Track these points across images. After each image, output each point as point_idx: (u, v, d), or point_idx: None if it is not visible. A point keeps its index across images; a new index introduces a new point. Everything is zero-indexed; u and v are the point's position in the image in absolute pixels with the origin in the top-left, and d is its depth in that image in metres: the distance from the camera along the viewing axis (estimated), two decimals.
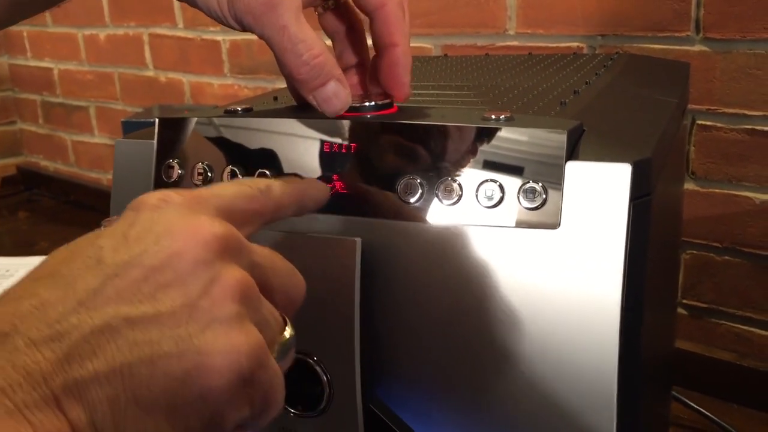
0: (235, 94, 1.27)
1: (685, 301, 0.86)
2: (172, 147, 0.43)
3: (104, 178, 1.62)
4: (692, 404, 0.77)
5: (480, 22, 0.94)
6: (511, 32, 0.91)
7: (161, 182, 0.43)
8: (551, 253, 0.35)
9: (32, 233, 1.49)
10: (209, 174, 0.42)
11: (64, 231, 1.47)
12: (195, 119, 0.43)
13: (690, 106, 0.79)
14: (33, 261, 1.29)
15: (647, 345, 0.40)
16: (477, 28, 0.94)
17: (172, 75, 1.38)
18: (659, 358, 0.52)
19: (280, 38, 0.38)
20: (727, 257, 0.82)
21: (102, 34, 1.49)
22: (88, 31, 1.52)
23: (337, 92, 0.39)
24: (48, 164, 1.75)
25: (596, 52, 0.84)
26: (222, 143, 0.42)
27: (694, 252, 0.84)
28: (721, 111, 0.79)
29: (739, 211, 0.80)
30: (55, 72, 1.64)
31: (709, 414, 0.76)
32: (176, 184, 0.43)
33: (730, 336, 0.84)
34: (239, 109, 0.44)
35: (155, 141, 0.44)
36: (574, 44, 0.87)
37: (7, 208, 1.65)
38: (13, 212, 1.63)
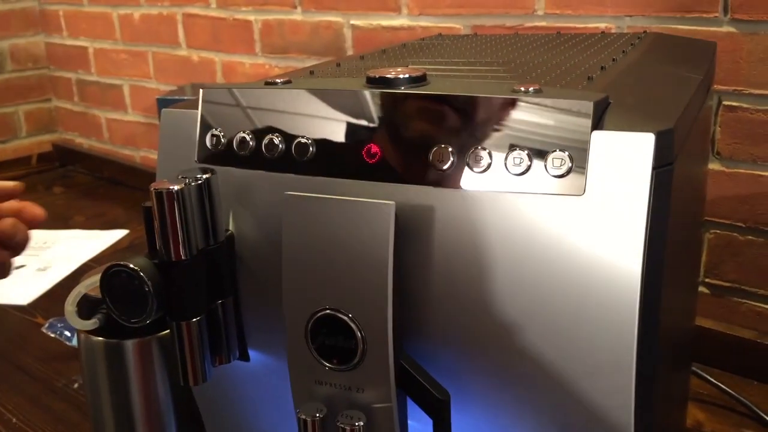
0: (266, 73, 1.29)
1: (707, 279, 0.87)
2: (215, 116, 0.46)
3: (137, 155, 1.65)
4: (712, 380, 0.78)
5: (509, 3, 0.95)
6: (540, 12, 0.93)
7: (205, 149, 0.46)
8: (576, 219, 0.37)
9: (67, 208, 1.53)
10: (251, 142, 0.44)
11: (97, 206, 1.51)
12: (237, 90, 0.45)
13: (716, 87, 0.80)
14: (69, 234, 1.33)
15: (666, 314, 0.41)
16: (506, 8, 0.95)
17: (204, 54, 1.41)
18: (679, 331, 0.54)
19: None
20: (750, 237, 0.83)
21: (136, 13, 1.52)
22: (122, 11, 1.55)
23: None
24: (82, 141, 1.79)
25: (624, 32, 0.85)
26: (263, 113, 0.44)
27: (718, 231, 0.85)
28: (747, 92, 0.79)
29: (763, 191, 0.81)
30: (90, 50, 1.67)
31: (728, 389, 0.77)
32: (219, 152, 0.45)
33: (751, 315, 0.85)
34: (279, 81, 0.46)
35: (199, 111, 0.46)
36: (602, 25, 0.88)
37: (42, 184, 1.69)
38: (49, 187, 1.67)
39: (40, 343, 0.95)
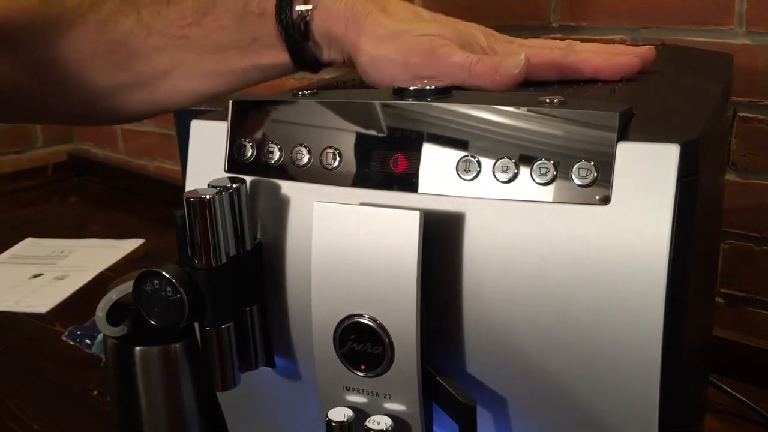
0: (282, 84, 1.30)
1: (723, 290, 0.87)
2: (244, 127, 0.47)
3: (152, 165, 1.67)
4: (729, 389, 0.78)
5: (525, 14, 0.96)
6: (555, 24, 0.93)
7: (234, 160, 0.47)
8: (601, 229, 0.38)
9: (83, 217, 1.54)
10: (279, 153, 0.45)
11: (113, 216, 1.53)
12: (266, 101, 0.46)
13: (732, 98, 0.80)
14: (85, 243, 1.34)
15: (689, 328, 0.42)
16: (522, 20, 0.96)
17: None
18: (698, 343, 0.54)
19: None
20: (765, 247, 0.83)
21: None
22: None
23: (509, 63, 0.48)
24: (98, 151, 1.81)
25: (640, 44, 0.86)
26: (291, 123, 0.45)
27: (733, 242, 0.85)
28: (763, 103, 0.80)
29: None
30: None
31: (745, 399, 0.77)
32: (248, 162, 0.46)
33: (767, 325, 0.85)
34: (306, 92, 0.47)
35: (228, 122, 0.47)
36: (618, 37, 0.89)
37: (58, 194, 1.71)
38: (65, 197, 1.69)
39: (60, 351, 0.96)
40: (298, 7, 0.52)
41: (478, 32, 0.53)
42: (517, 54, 0.48)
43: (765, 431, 0.76)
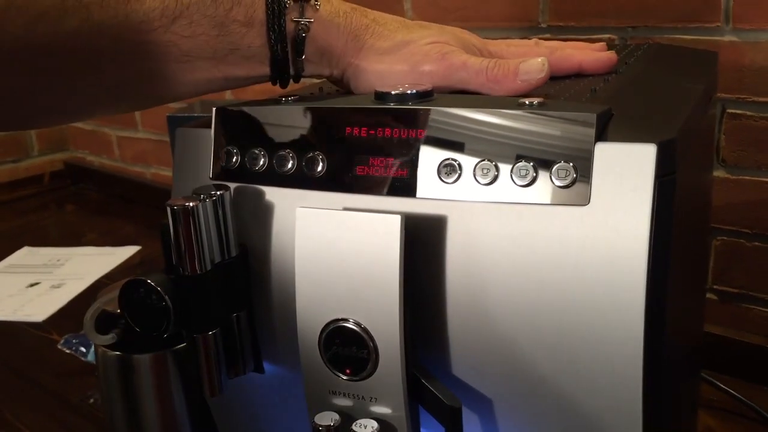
0: (274, 90, 1.30)
1: (715, 286, 0.87)
2: (228, 134, 0.47)
3: (147, 172, 1.67)
4: (722, 386, 0.79)
5: (513, 15, 0.96)
6: (544, 25, 0.94)
7: (218, 167, 0.47)
8: (581, 229, 0.38)
9: (80, 225, 1.54)
10: (262, 159, 0.45)
11: (110, 223, 1.53)
12: (249, 108, 0.47)
13: (720, 95, 0.81)
14: (82, 251, 1.34)
15: (674, 323, 0.42)
16: (510, 21, 0.96)
17: None
18: (687, 339, 0.54)
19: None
20: (757, 243, 0.83)
21: None
22: None
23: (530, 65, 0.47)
24: (93, 159, 1.81)
25: (627, 43, 0.86)
26: (274, 130, 0.46)
27: (725, 238, 0.85)
28: (750, 100, 0.80)
29: None
30: None
31: (738, 395, 0.78)
32: (232, 169, 0.46)
33: (760, 320, 0.85)
34: (290, 98, 0.47)
35: (212, 129, 0.47)
36: (606, 36, 0.89)
37: (55, 202, 1.71)
38: (61, 205, 1.69)
39: (56, 359, 0.96)
40: (294, 19, 0.47)
41: (470, 36, 0.53)
42: (533, 57, 0.48)
43: (759, 427, 0.76)
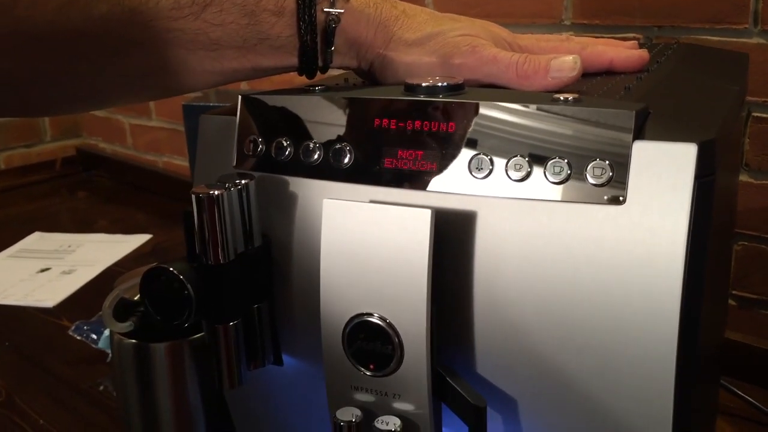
0: (290, 80, 1.30)
1: (735, 292, 0.86)
2: (253, 122, 0.46)
3: (160, 160, 1.67)
4: (741, 393, 0.77)
5: (536, 12, 0.95)
6: (567, 22, 0.93)
7: (243, 155, 0.46)
8: (615, 229, 0.37)
9: (91, 212, 1.54)
10: (288, 149, 0.45)
11: (121, 210, 1.52)
12: (275, 97, 0.46)
13: (746, 98, 0.79)
14: (93, 237, 1.34)
15: (703, 329, 0.41)
16: (533, 18, 0.95)
17: None
18: (711, 345, 0.54)
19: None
20: None
21: None
22: None
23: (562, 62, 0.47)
24: (106, 146, 1.81)
25: (653, 42, 0.85)
26: (300, 119, 0.45)
27: (746, 243, 0.84)
28: None
29: None
30: None
31: (757, 403, 0.76)
32: (257, 158, 0.46)
33: None
34: (317, 88, 0.47)
35: (237, 117, 0.47)
36: (631, 35, 0.88)
37: (67, 188, 1.71)
38: (73, 192, 1.69)
39: (66, 346, 0.96)
40: (325, 9, 0.46)
41: (500, 29, 0.52)
42: (565, 54, 0.47)
43: None
